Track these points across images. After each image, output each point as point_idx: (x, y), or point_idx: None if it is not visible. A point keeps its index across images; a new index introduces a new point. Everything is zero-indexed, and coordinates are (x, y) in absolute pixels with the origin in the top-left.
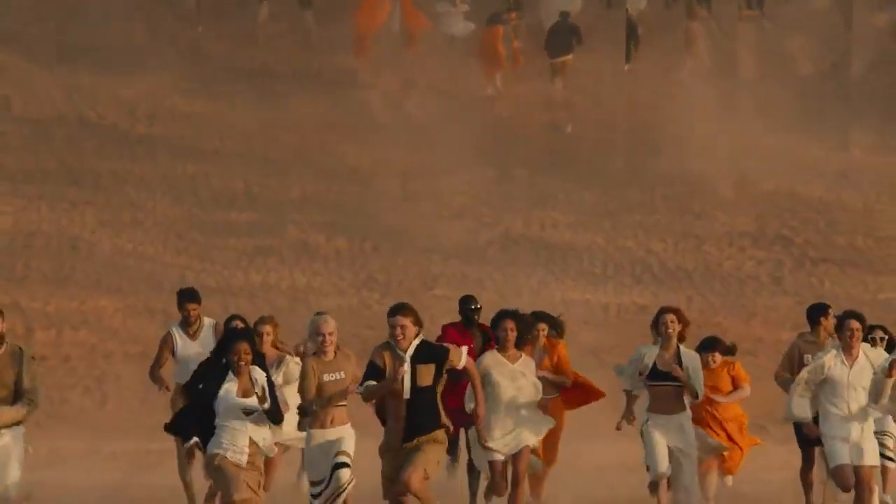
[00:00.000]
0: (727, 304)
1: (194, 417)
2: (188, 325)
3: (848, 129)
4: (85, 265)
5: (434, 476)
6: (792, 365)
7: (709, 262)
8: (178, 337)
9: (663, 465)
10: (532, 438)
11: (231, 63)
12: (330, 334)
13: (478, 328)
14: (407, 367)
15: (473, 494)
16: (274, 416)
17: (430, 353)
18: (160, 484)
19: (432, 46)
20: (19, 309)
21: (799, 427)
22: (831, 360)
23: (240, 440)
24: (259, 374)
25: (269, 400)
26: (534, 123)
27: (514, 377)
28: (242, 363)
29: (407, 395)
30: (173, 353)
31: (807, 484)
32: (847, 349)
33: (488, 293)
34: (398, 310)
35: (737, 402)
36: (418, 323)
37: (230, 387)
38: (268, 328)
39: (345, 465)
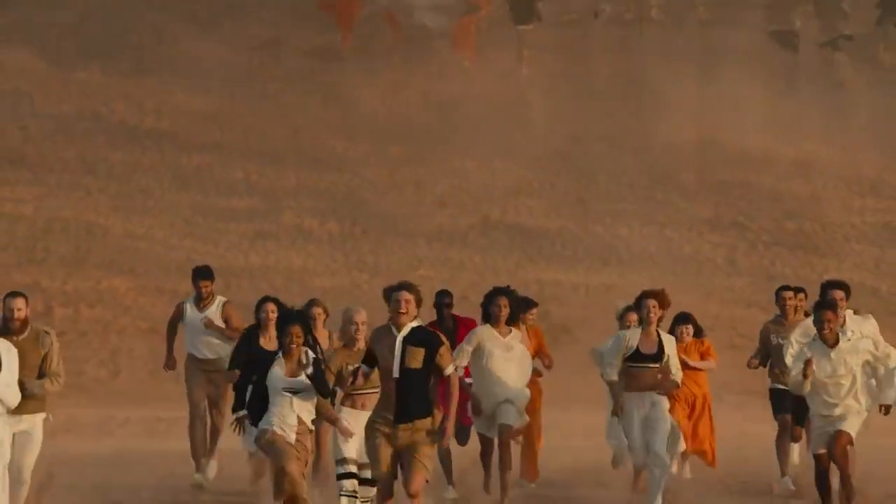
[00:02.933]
0: (687, 284)
1: (253, 399)
2: (200, 300)
3: (798, 125)
4: (99, 248)
5: (432, 472)
6: (765, 347)
7: (670, 246)
8: (189, 309)
9: (638, 439)
10: (515, 419)
11: (230, 64)
12: (363, 323)
13: (451, 320)
14: (398, 346)
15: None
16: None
17: (422, 337)
18: (169, 449)
19: (414, 45)
20: (40, 288)
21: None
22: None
23: (289, 419)
24: (308, 356)
25: (317, 381)
26: (509, 118)
27: (507, 348)
28: (294, 346)
29: (396, 374)
30: (182, 319)
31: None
32: None
33: (469, 274)
34: (403, 286)
35: (704, 369)
36: (419, 303)
37: (278, 369)
38: (272, 305)
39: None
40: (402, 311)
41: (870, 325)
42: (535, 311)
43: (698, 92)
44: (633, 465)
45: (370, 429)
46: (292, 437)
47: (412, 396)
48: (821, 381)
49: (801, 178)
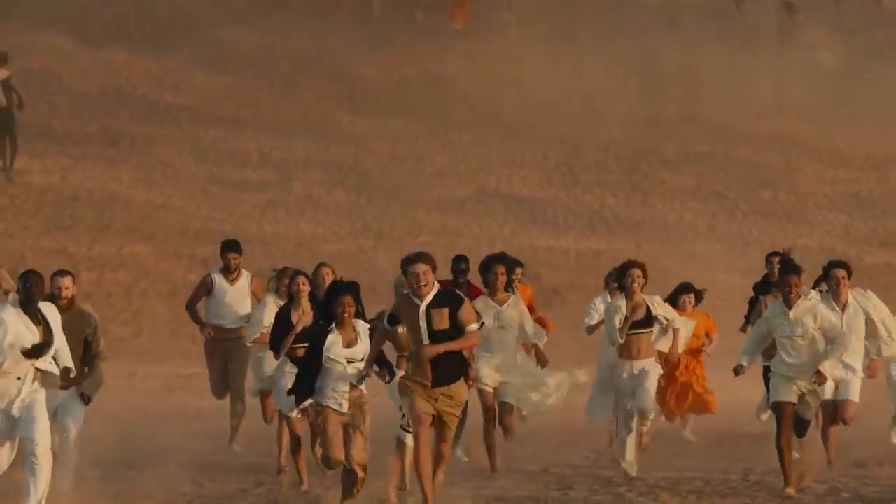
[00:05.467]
0: (670, 250)
1: (308, 380)
2: (228, 272)
3: (774, 101)
4: (122, 215)
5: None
6: (753, 311)
7: (654, 214)
8: (217, 280)
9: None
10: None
11: (244, 44)
12: None
13: (466, 285)
14: (423, 314)
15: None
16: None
17: (443, 298)
18: (187, 403)
19: (415, 28)
20: (67, 254)
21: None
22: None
23: (341, 387)
24: (361, 326)
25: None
26: (503, 95)
27: (497, 317)
28: (346, 315)
29: (426, 340)
30: (209, 292)
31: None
32: (836, 296)
33: (466, 240)
34: (417, 258)
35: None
36: (435, 269)
37: (335, 339)
38: (303, 278)
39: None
40: (422, 283)
41: (872, 301)
42: (520, 270)
43: (680, 69)
44: (620, 416)
45: (405, 387)
46: (345, 406)
47: (444, 360)
48: (779, 340)
49: (776, 151)
